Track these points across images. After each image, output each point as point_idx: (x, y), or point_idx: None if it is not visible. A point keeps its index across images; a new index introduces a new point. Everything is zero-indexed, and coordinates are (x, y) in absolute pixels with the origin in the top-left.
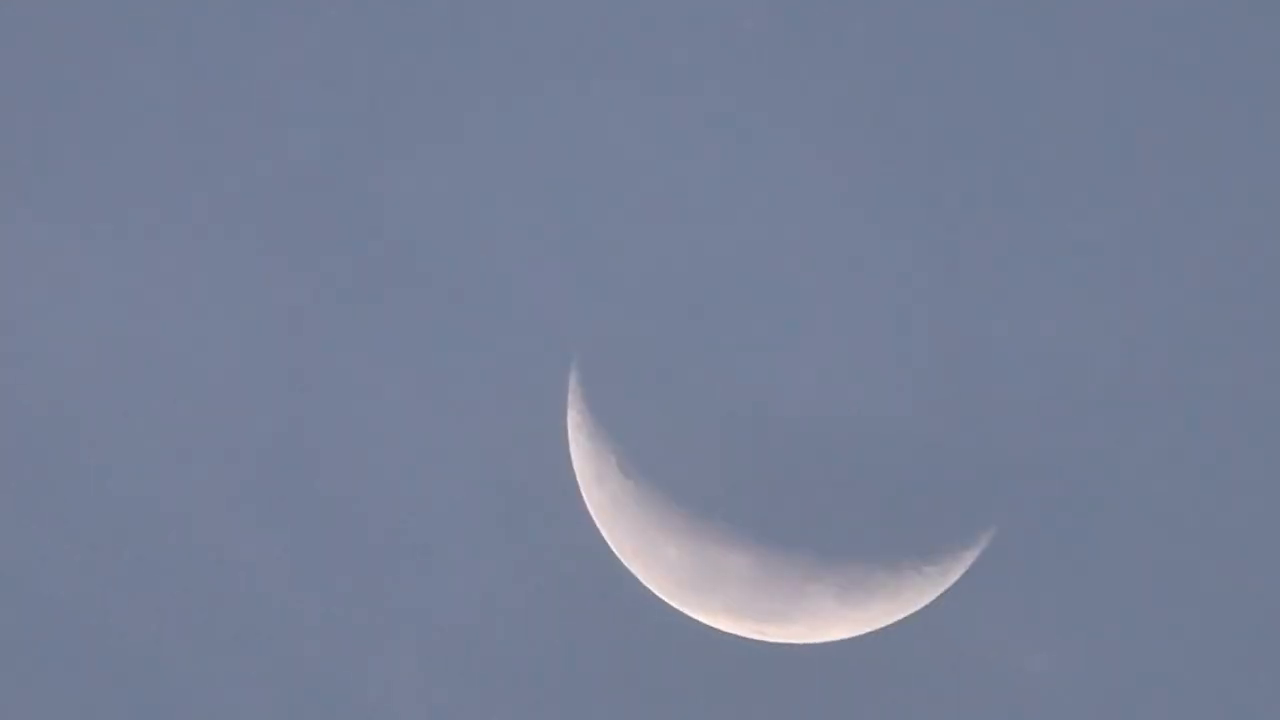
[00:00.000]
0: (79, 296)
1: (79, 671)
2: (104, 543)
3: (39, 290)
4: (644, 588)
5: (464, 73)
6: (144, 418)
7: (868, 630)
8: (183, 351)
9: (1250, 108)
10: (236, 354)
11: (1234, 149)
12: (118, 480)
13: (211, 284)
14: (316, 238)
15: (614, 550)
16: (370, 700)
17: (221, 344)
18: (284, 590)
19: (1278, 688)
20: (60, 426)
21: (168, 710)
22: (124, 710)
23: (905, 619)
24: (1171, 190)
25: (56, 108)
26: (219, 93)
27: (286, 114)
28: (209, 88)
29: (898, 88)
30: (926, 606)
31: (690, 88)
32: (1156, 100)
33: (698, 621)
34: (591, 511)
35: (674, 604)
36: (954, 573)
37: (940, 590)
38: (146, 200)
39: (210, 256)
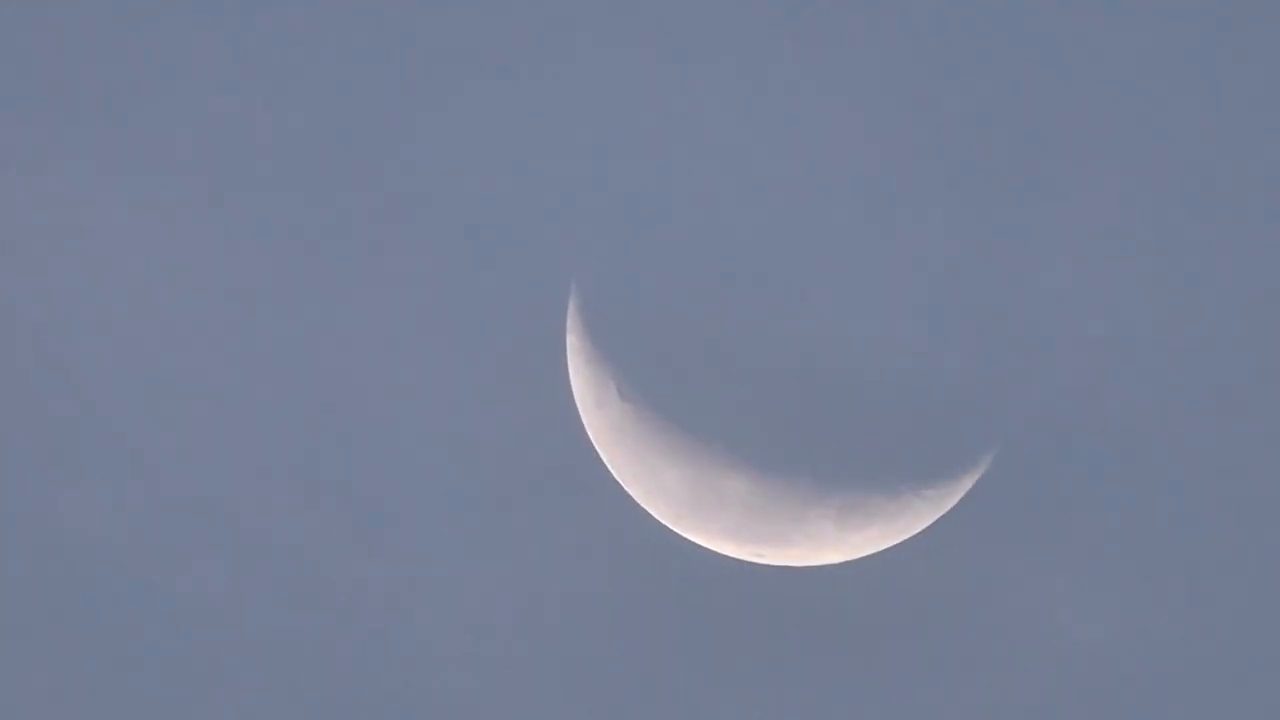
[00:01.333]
0: (85, 258)
1: (130, 627)
2: (144, 502)
3: (65, 253)
4: (643, 511)
5: (465, 18)
6: (158, 372)
7: (866, 553)
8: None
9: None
10: (242, 283)
11: (1242, 134)
12: (149, 447)
13: (217, 217)
14: (324, 164)
15: (613, 474)
16: (371, 589)
17: (229, 280)
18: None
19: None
20: (85, 391)
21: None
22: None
23: (904, 542)
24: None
25: (57, 71)
26: (219, 45)
27: (283, 57)
28: (214, 43)
29: (926, 35)
30: (925, 530)
31: (698, 34)
32: (1184, 76)
33: (697, 545)
34: (591, 435)
35: (673, 527)
36: (953, 496)
37: (939, 514)
38: (138, 158)
39: (215, 191)
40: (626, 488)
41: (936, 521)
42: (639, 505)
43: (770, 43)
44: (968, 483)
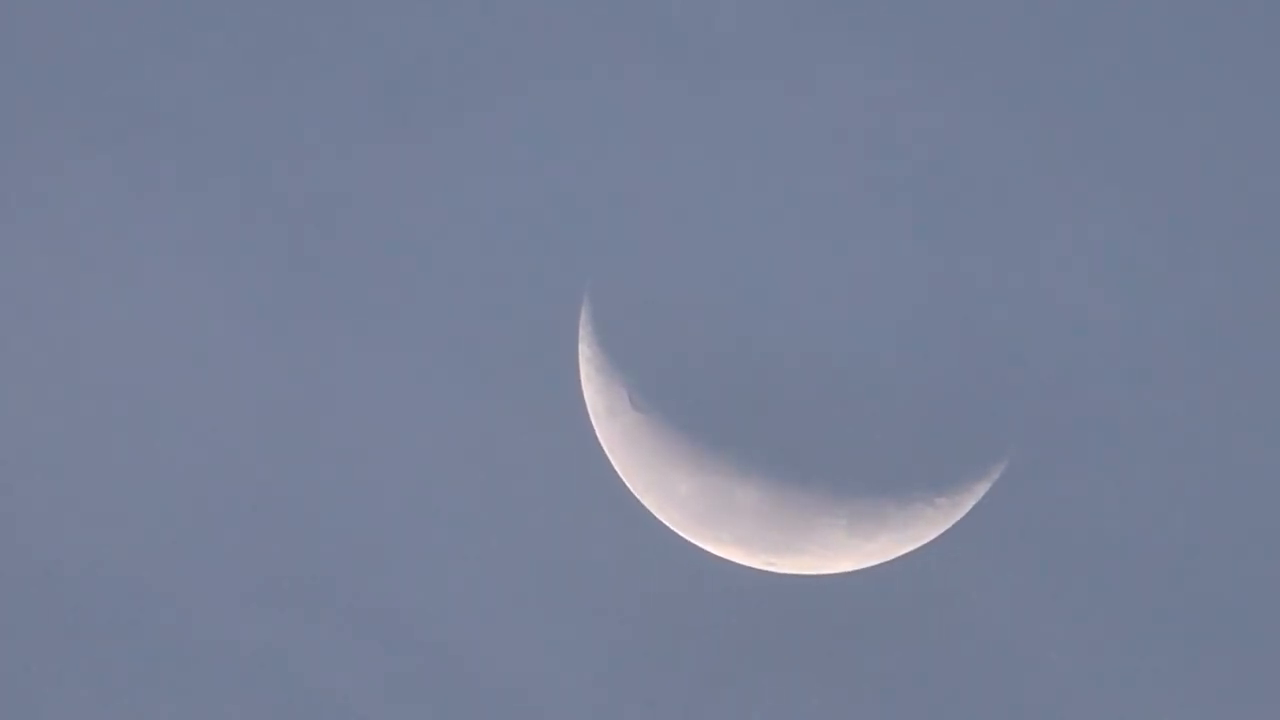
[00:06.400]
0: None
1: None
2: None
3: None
4: (655, 520)
5: (472, 30)
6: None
7: (878, 562)
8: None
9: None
10: (246, 298)
11: (1242, 141)
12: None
13: (213, 236)
14: (328, 173)
15: (625, 483)
16: (394, 596)
17: (234, 296)
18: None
19: None
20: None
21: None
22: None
23: (915, 550)
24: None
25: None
26: (217, 45)
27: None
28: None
29: (925, 41)
30: (936, 539)
31: (701, 43)
32: (1170, 72)
33: (709, 553)
34: (602, 444)
35: (685, 535)
36: (964, 505)
37: (951, 522)
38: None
39: (213, 209)
40: (638, 496)
41: (947, 530)
42: (651, 514)
43: (777, 57)
44: (979, 491)
